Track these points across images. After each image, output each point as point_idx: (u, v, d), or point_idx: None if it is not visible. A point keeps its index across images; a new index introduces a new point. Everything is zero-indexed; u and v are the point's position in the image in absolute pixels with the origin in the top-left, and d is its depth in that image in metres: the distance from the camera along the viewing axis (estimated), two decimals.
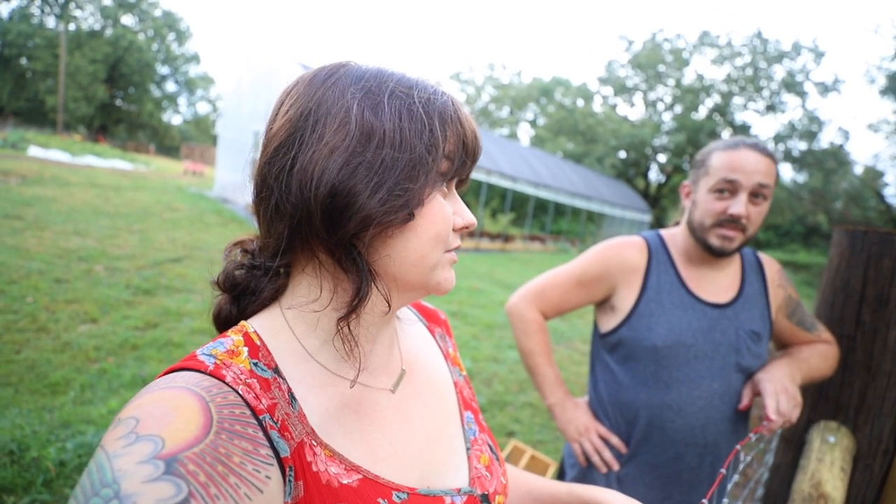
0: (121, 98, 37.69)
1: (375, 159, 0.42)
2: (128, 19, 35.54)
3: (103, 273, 4.70)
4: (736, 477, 0.78)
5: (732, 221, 1.00)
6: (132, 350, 3.23)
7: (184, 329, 3.70)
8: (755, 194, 1.00)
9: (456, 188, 0.52)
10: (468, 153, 0.48)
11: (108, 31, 34.20)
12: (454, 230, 0.49)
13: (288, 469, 0.40)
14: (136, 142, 37.78)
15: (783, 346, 1.19)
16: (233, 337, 0.45)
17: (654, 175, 32.29)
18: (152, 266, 5.23)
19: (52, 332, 3.29)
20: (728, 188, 1.01)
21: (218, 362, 0.42)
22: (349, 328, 0.45)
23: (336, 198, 0.41)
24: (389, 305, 0.48)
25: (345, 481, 0.43)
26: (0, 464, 1.95)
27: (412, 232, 0.45)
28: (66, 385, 2.67)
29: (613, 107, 33.75)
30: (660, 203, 31.12)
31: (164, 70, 39.58)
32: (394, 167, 0.42)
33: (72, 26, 32.59)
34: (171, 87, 41.32)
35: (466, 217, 0.51)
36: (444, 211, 0.47)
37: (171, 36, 38.64)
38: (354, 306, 0.44)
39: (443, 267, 0.49)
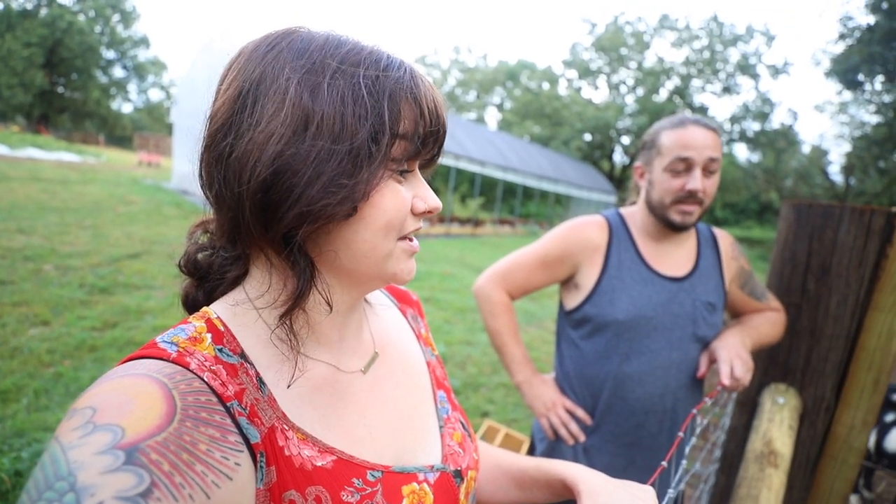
0: (62, 85, 35.05)
1: (311, 150, 0.39)
2: None
3: (53, 272, 4.43)
4: (694, 440, 0.82)
5: (690, 196, 1.05)
6: (90, 352, 3.08)
7: (145, 327, 3.55)
8: (706, 168, 1.05)
9: (423, 168, 0.49)
10: (426, 134, 0.44)
11: (44, 12, 31.58)
12: (414, 214, 0.47)
13: (259, 455, 0.39)
14: (84, 132, 35.37)
15: (736, 315, 1.25)
16: (195, 323, 0.44)
17: (619, 157, 33.06)
18: (108, 263, 4.97)
19: None
20: (682, 166, 1.05)
21: (181, 350, 0.40)
22: (291, 324, 0.44)
23: (268, 193, 0.39)
24: (331, 306, 0.46)
25: (319, 463, 0.43)
26: None
27: (359, 223, 0.43)
28: (18, 392, 2.53)
29: (578, 90, 34.16)
30: (625, 184, 31.93)
31: (109, 54, 36.97)
32: (331, 159, 0.39)
33: None
34: (118, 72, 38.72)
35: (430, 201, 0.47)
36: (397, 199, 0.44)
37: (116, 17, 36.10)
38: (292, 305, 0.43)
39: (397, 258, 0.47)
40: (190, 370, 0.39)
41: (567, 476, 0.54)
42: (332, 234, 0.43)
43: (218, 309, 0.46)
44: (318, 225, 0.41)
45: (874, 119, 21.03)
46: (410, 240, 0.48)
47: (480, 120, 38.79)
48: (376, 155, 0.41)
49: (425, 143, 0.44)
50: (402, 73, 0.43)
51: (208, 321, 0.44)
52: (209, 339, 0.43)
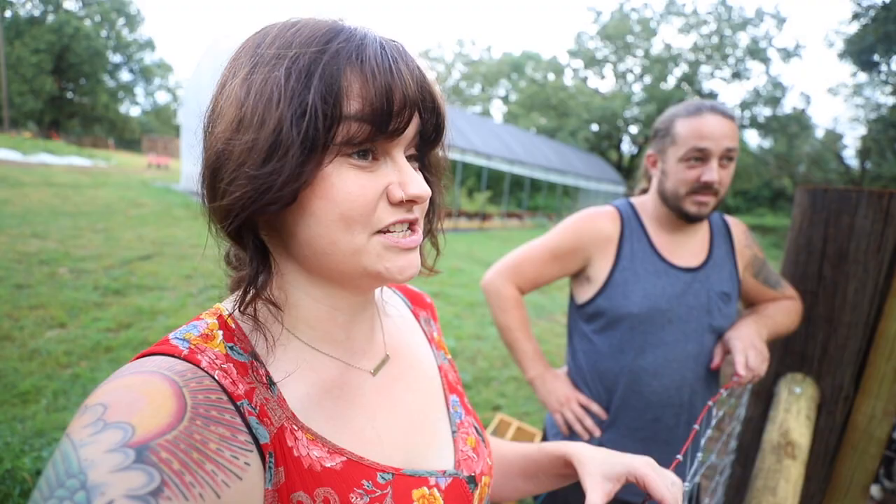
0: (71, 90, 35.47)
1: (238, 145, 0.39)
2: (70, 4, 33.21)
3: (68, 275, 4.51)
4: (709, 432, 0.81)
5: (706, 188, 1.02)
6: (105, 353, 3.13)
7: (159, 328, 3.60)
8: (723, 157, 1.02)
9: (422, 152, 0.46)
10: (383, 112, 0.39)
11: (50, 18, 31.89)
12: (391, 204, 0.42)
13: (268, 455, 0.39)
14: (94, 136, 35.82)
15: (750, 304, 1.23)
16: (207, 320, 0.44)
17: (627, 147, 32.70)
18: (121, 265, 5.04)
19: (17, 340, 3.15)
20: (699, 156, 1.02)
21: (192, 347, 0.40)
22: (255, 315, 0.43)
23: (210, 191, 0.41)
24: (277, 305, 0.44)
25: (328, 464, 0.43)
26: None
27: (309, 217, 0.41)
28: (38, 393, 2.58)
29: (584, 80, 33.77)
30: (633, 174, 31.57)
31: (116, 58, 37.33)
32: (252, 150, 0.38)
33: (7, 13, 30.25)
34: (125, 76, 39.12)
35: (409, 188, 0.42)
36: (350, 188, 0.40)
37: (121, 21, 36.38)
38: (241, 297, 0.42)
39: (377, 254, 0.43)
40: (201, 368, 0.38)
41: (567, 451, 0.58)
42: (283, 229, 0.43)
43: (229, 306, 0.46)
44: (247, 215, 0.39)
45: (890, 100, 20.52)
46: (411, 234, 0.44)
47: (486, 113, 38.57)
48: (298, 140, 0.37)
49: (380, 120, 0.39)
50: (346, 44, 0.39)
51: (220, 318, 0.44)
52: (220, 337, 0.42)
